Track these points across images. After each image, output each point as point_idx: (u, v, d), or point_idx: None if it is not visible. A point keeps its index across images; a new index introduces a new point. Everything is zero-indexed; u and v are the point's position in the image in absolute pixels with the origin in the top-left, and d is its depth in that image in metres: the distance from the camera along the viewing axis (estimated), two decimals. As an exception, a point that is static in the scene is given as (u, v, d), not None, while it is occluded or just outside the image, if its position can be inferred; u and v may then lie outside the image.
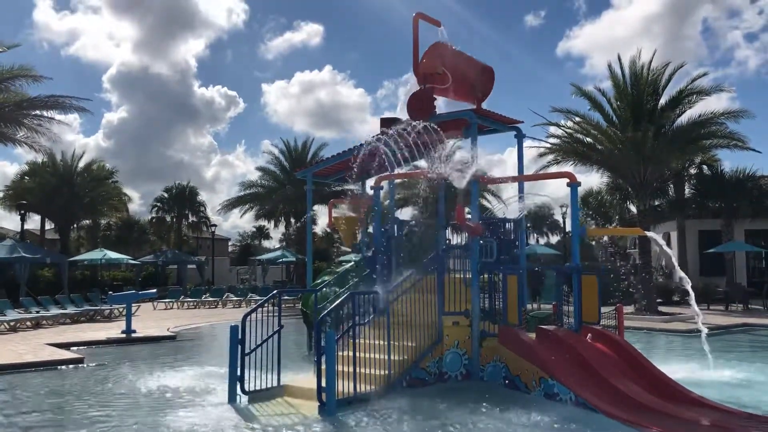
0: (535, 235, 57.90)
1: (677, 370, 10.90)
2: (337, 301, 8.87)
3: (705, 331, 10.87)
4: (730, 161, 47.65)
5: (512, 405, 8.22)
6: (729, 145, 21.94)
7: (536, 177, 12.09)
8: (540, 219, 49.05)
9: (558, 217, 46.06)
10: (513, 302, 9.77)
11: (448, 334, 9.81)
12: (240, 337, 8.75)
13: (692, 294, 10.45)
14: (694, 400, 8.31)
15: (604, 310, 12.28)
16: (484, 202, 31.81)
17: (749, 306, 23.91)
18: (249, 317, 8.85)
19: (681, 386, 8.65)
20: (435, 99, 11.40)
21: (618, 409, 7.72)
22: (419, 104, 11.20)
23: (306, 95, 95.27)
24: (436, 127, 10.06)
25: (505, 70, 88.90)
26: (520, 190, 11.93)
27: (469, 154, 10.50)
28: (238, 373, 8.68)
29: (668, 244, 30.69)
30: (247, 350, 8.82)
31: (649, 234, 10.84)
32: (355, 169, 10.47)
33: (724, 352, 14.04)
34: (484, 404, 8.27)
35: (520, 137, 12.09)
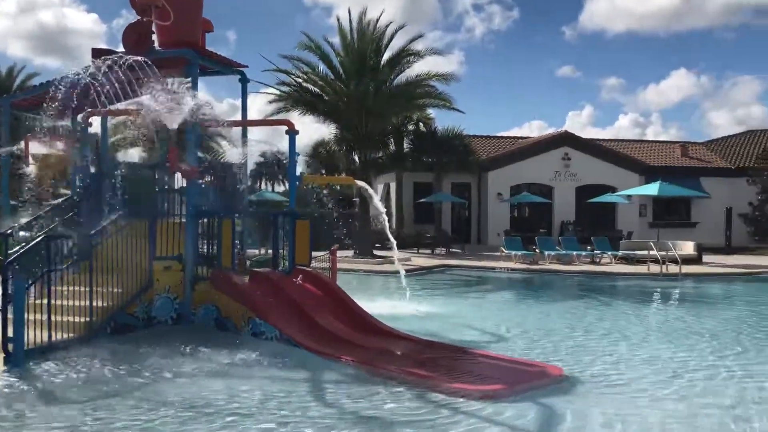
0: (270, 182, 58.53)
1: (382, 306, 12.04)
2: (29, 245, 8.13)
3: (403, 273, 12.18)
4: (444, 121, 52.74)
5: (220, 345, 8.39)
6: (439, 105, 24.32)
7: (255, 123, 12.17)
8: (273, 166, 49.62)
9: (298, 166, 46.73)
10: (227, 246, 9.90)
11: (159, 278, 9.62)
12: None
13: (393, 241, 11.67)
14: (386, 332, 9.28)
15: (321, 253, 13.04)
16: (215, 146, 31.28)
17: (451, 250, 27.11)
18: None
19: (376, 320, 9.57)
20: (153, 33, 10.82)
21: (317, 343, 8.33)
22: (134, 37, 10.54)
23: (24, 15, 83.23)
24: (151, 63, 9.57)
25: (252, 14, 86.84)
26: (243, 135, 12.00)
27: (188, 95, 10.21)
28: None
29: (388, 194, 33.25)
30: None
31: (360, 183, 11.67)
32: (60, 102, 9.55)
33: (424, 290, 15.83)
34: (191, 346, 8.32)
35: (244, 82, 12.07)
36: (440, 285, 17.64)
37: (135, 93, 10.23)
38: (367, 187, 11.44)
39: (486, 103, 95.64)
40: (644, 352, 9.10)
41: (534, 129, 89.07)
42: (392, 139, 29.50)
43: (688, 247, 22.99)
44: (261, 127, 15.32)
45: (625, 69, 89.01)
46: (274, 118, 21.59)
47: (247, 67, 11.95)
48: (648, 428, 5.80)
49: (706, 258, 23.17)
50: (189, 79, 10.75)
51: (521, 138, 37.86)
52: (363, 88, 20.93)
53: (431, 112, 29.45)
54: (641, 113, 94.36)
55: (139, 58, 9.38)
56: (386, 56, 23.28)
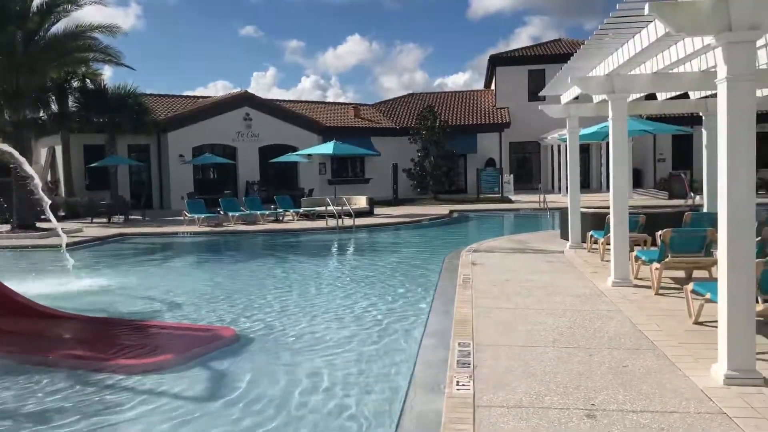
0: None
1: (46, 285, 10.84)
2: None
3: (65, 243, 11.10)
4: (121, 79, 49.16)
5: None
6: (104, 60, 22.30)
7: None
8: None
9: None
10: None
11: None
12: None
13: (49, 212, 10.53)
14: (44, 313, 8.29)
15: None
16: None
17: (130, 217, 25.41)
18: None
19: (31, 302, 8.48)
20: None
21: (-50, 336, 7.09)
22: None
23: None
24: None
25: None
26: None
27: None
28: None
29: (54, 158, 29.87)
30: None
31: (3, 146, 10.09)
32: None
33: (95, 263, 14.60)
34: None
35: None
36: (116, 256, 16.42)
37: None
38: (10, 150, 9.89)
39: (168, 61, 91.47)
40: (319, 303, 9.57)
41: (219, 89, 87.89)
42: (54, 97, 26.36)
43: (361, 201, 24.87)
44: None
45: (306, 32, 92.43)
46: None
47: None
48: (319, 378, 6.00)
49: (377, 210, 25.34)
50: None
51: (203, 97, 36.94)
52: (8, 38, 18.10)
53: (101, 68, 26.94)
54: (322, 76, 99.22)
55: None
56: (36, 2, 20.41)
